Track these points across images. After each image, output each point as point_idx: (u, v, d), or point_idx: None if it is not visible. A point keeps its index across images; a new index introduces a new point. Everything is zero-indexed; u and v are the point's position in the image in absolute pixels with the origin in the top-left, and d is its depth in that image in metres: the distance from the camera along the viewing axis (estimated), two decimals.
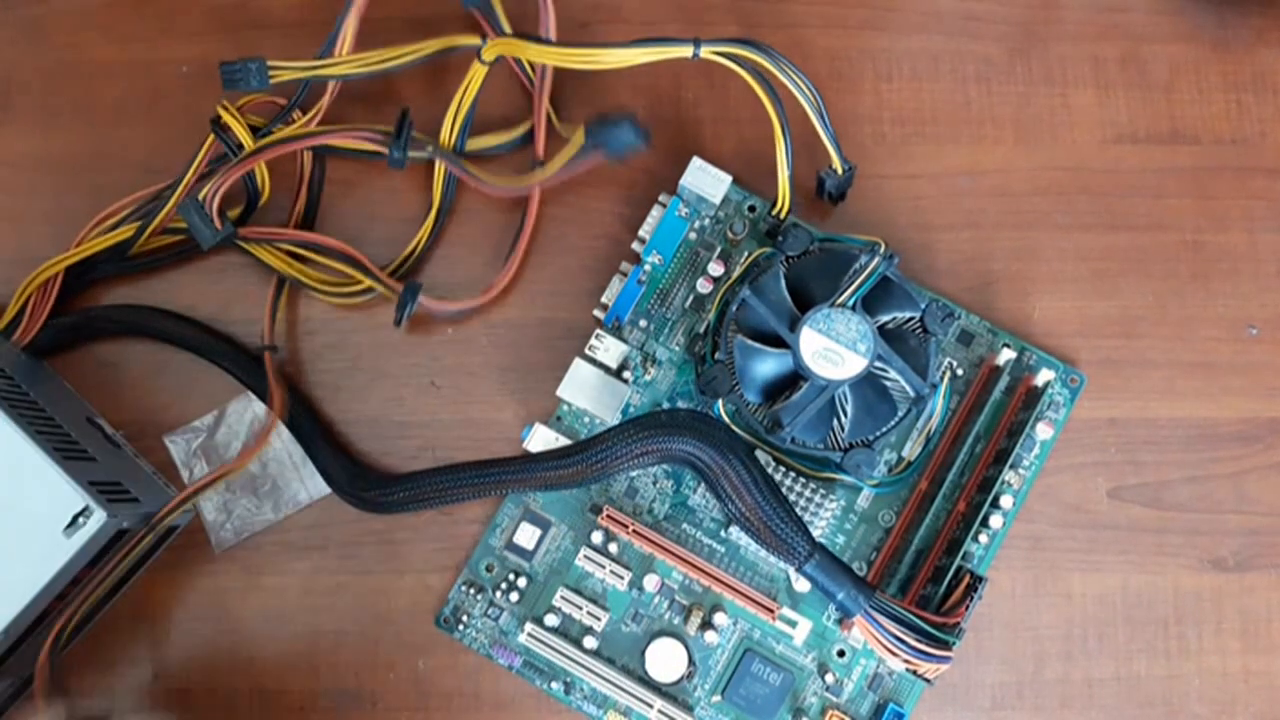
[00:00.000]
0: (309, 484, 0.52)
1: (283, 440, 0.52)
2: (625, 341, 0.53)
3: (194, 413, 0.53)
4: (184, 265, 0.54)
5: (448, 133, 0.53)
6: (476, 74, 0.52)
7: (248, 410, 0.53)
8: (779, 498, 0.47)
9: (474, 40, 0.53)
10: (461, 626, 0.51)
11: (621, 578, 0.51)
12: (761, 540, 0.47)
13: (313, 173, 0.54)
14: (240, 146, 0.52)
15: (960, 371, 0.53)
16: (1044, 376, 0.51)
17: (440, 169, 0.53)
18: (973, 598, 0.48)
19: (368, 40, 0.52)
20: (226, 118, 0.52)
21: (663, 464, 0.49)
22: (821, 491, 0.51)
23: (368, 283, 0.52)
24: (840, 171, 0.52)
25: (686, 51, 0.49)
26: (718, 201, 0.53)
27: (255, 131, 0.53)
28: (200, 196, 0.50)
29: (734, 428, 0.50)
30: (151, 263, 0.53)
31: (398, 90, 0.55)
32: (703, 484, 0.52)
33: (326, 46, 0.52)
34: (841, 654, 0.51)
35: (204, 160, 0.52)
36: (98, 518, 0.45)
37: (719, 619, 0.51)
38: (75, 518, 0.45)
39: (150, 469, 0.52)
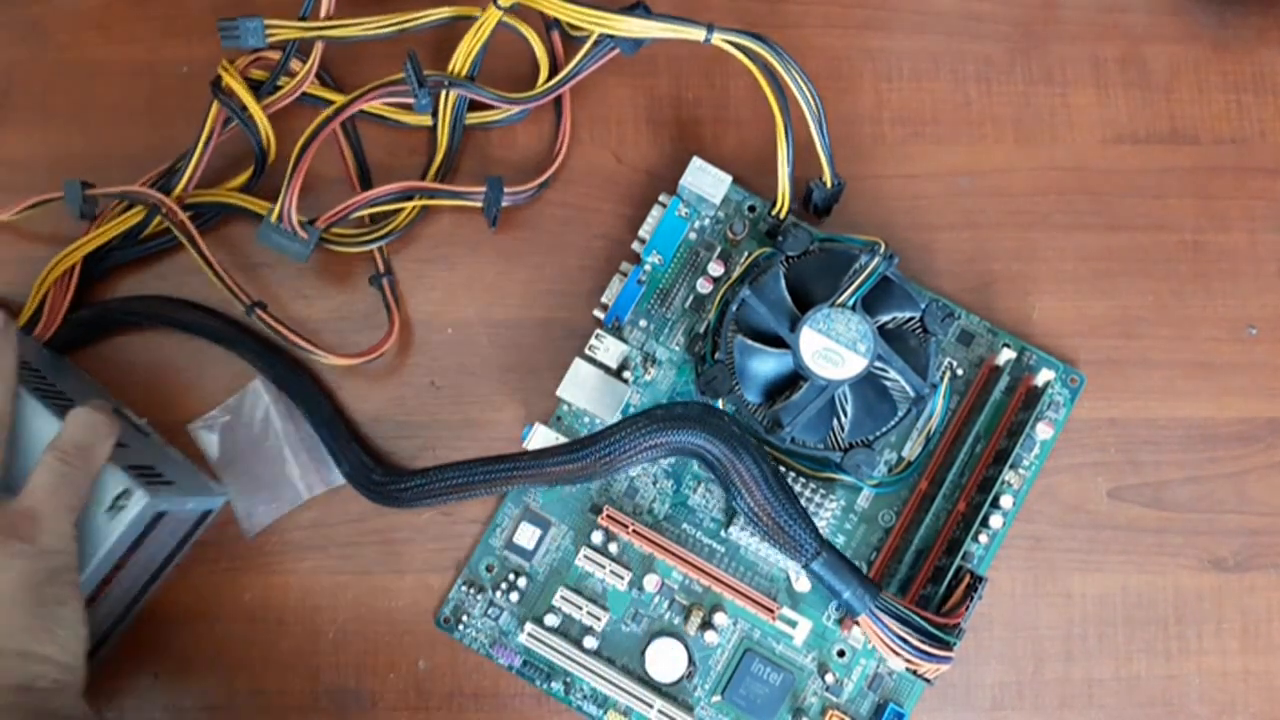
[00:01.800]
0: (324, 471, 0.52)
1: (296, 425, 0.52)
2: (625, 341, 0.53)
3: (211, 400, 0.53)
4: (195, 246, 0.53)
5: (456, 68, 0.53)
6: (489, 19, 0.52)
7: (262, 397, 0.52)
8: (789, 494, 0.47)
9: (475, 11, 0.53)
10: (461, 626, 0.51)
11: (621, 578, 0.51)
12: (769, 536, 0.47)
13: (350, 138, 0.55)
14: (244, 108, 0.52)
15: (960, 371, 0.53)
16: (1044, 376, 0.51)
17: (447, 112, 0.53)
18: (973, 598, 0.48)
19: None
20: (228, 80, 0.52)
21: (672, 456, 0.49)
22: (821, 491, 0.51)
23: (404, 215, 0.53)
24: (829, 185, 0.52)
25: (699, 35, 0.49)
26: (718, 201, 0.53)
27: (258, 87, 0.53)
28: (274, 218, 0.50)
29: None
30: (165, 244, 0.53)
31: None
32: (706, 481, 0.52)
33: (307, 6, 0.52)
34: (841, 654, 0.51)
35: (213, 128, 0.52)
36: (138, 498, 0.45)
37: (719, 619, 0.51)
38: (116, 500, 0.45)
39: (179, 455, 0.52)
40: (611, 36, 0.52)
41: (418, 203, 0.53)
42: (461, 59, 0.53)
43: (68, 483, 0.44)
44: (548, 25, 0.55)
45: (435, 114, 0.53)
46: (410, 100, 0.52)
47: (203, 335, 0.53)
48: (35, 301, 0.52)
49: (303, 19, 0.52)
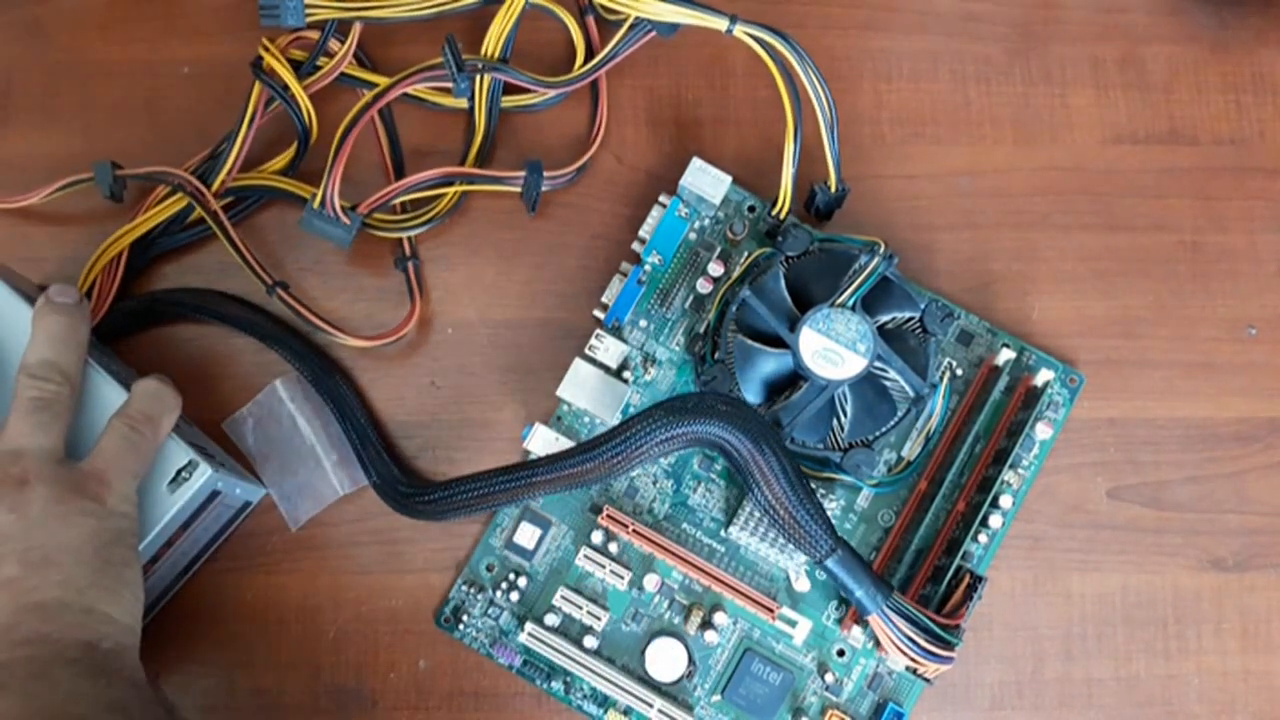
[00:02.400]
0: (354, 470, 0.52)
1: (324, 423, 0.52)
2: (625, 341, 0.53)
3: (247, 398, 0.52)
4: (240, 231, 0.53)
5: (488, 51, 0.53)
6: None
7: (283, 399, 0.52)
8: (807, 489, 0.47)
9: None
10: (462, 626, 0.51)
11: (621, 578, 0.51)
12: (785, 531, 0.47)
13: (386, 123, 0.55)
14: (285, 87, 0.52)
15: (960, 371, 0.53)
16: (1043, 376, 0.51)
17: (483, 96, 0.53)
18: (973, 598, 0.48)
19: None
20: (269, 60, 0.52)
21: (691, 448, 0.49)
22: (821, 491, 0.51)
23: (446, 200, 0.53)
24: (834, 190, 0.52)
25: (721, 25, 0.50)
26: (718, 201, 0.53)
27: (297, 67, 0.53)
28: (316, 204, 0.51)
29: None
30: (205, 231, 0.53)
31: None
32: (706, 481, 0.52)
33: None
34: (841, 654, 0.51)
35: (255, 110, 0.52)
36: (201, 471, 0.46)
37: (719, 619, 0.51)
38: (179, 472, 0.46)
39: (218, 448, 0.52)
40: (647, 19, 0.52)
41: (458, 188, 0.53)
42: (493, 41, 0.53)
43: (134, 448, 0.45)
44: (582, 10, 0.55)
45: (472, 98, 0.54)
46: (447, 85, 0.52)
47: (245, 331, 0.52)
48: (84, 288, 0.52)
49: None
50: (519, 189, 0.53)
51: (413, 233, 0.53)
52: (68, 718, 0.39)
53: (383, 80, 0.53)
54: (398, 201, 0.53)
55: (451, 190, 0.53)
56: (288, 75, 0.52)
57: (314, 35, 0.54)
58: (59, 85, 0.55)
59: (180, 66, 0.55)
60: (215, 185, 0.52)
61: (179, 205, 0.52)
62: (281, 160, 0.54)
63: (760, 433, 0.46)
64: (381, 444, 0.52)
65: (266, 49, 0.53)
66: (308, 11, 0.52)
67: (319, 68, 0.54)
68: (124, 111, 0.55)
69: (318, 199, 0.51)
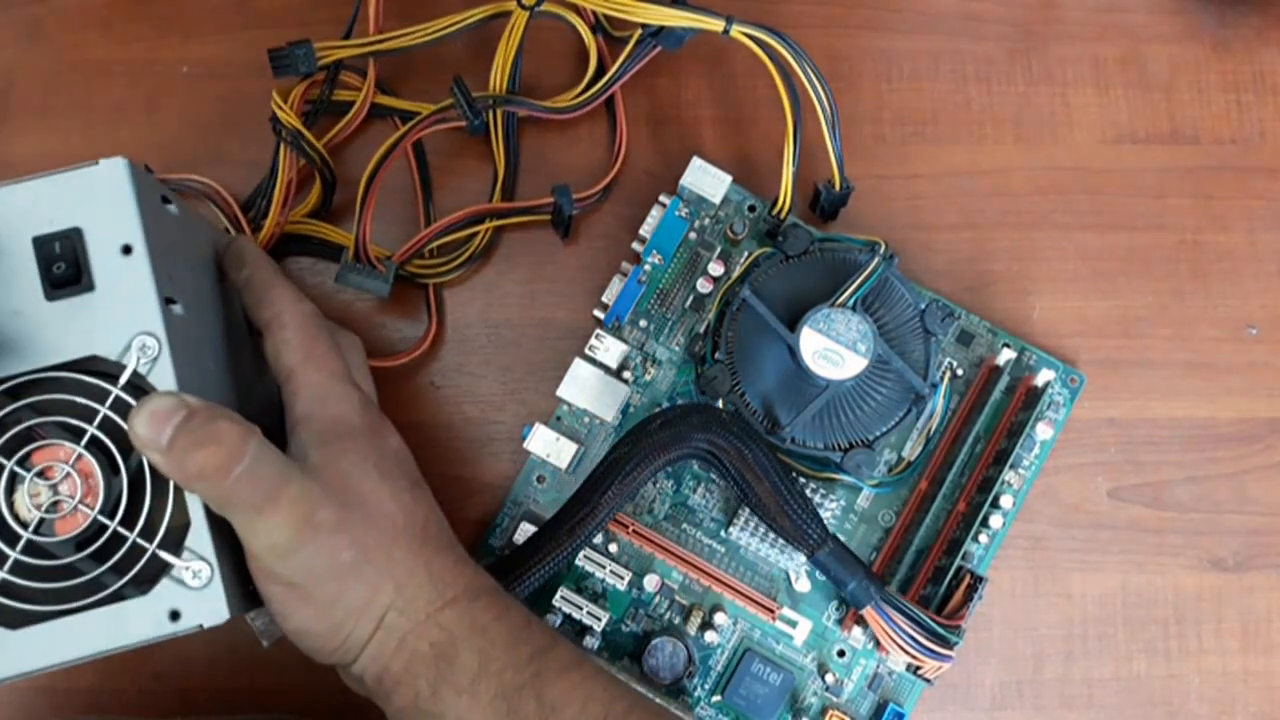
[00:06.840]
0: None
1: None
2: (625, 341, 0.53)
3: None
4: None
5: (495, 84, 0.53)
6: (518, 21, 0.52)
7: None
8: (795, 485, 0.47)
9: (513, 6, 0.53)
10: None
11: (621, 578, 0.51)
12: (777, 526, 0.47)
13: (419, 166, 0.54)
14: (301, 140, 0.51)
15: (960, 371, 0.53)
16: (1044, 376, 0.51)
17: (499, 130, 0.53)
18: (973, 598, 0.48)
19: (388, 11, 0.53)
20: (284, 119, 0.51)
21: (683, 461, 0.49)
22: (821, 491, 0.51)
23: (480, 239, 0.53)
24: (838, 188, 0.52)
25: (718, 26, 0.50)
26: (718, 201, 0.53)
27: (317, 110, 0.53)
28: (350, 258, 0.50)
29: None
30: None
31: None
32: (706, 481, 0.52)
33: (352, 23, 0.52)
34: (841, 654, 0.51)
35: (289, 175, 0.52)
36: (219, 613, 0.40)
37: (719, 619, 0.51)
38: (174, 612, 0.40)
39: None
40: (653, 35, 0.52)
41: (490, 225, 0.53)
42: (499, 74, 0.53)
43: None
44: (592, 29, 0.54)
45: (489, 131, 0.53)
46: (461, 124, 0.52)
47: None
48: None
49: (346, 38, 0.52)
50: (549, 216, 0.53)
51: (451, 276, 0.53)
52: None
53: (420, 106, 0.53)
54: (432, 246, 0.53)
55: (483, 228, 0.53)
56: (305, 134, 0.52)
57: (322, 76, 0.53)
58: (59, 85, 0.55)
59: (180, 66, 0.55)
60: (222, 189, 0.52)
61: None
62: (307, 204, 0.53)
63: (746, 431, 0.47)
64: None
65: (280, 108, 0.51)
66: (319, 55, 0.52)
67: (337, 103, 0.53)
68: (124, 111, 0.55)
69: (351, 252, 0.50)
